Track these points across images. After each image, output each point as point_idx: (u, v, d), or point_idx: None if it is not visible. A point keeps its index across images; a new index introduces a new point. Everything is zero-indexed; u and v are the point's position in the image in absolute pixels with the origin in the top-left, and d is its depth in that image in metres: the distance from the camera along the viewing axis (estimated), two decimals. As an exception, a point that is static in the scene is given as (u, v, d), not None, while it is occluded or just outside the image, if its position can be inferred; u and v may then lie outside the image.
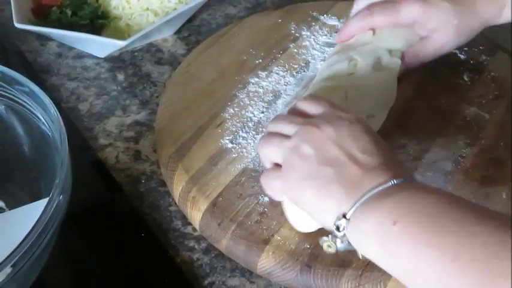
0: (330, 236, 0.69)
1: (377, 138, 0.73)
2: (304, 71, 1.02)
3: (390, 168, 0.69)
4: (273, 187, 0.76)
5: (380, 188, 0.66)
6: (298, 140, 0.73)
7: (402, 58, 0.95)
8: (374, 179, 0.67)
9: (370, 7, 0.95)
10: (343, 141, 0.71)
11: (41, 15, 1.16)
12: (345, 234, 0.67)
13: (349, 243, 0.68)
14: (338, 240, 0.68)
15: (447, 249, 0.58)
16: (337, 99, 0.85)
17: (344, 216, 0.66)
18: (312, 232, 0.79)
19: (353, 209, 0.66)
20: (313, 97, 0.82)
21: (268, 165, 0.78)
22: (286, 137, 0.75)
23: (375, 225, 0.64)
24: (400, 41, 0.96)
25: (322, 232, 0.73)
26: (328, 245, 0.70)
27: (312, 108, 0.78)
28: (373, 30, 0.97)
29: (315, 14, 1.14)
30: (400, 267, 0.63)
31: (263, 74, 1.01)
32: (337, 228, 0.67)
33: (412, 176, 0.71)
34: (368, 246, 0.66)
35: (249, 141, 0.90)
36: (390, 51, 0.94)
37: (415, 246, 0.61)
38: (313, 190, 0.70)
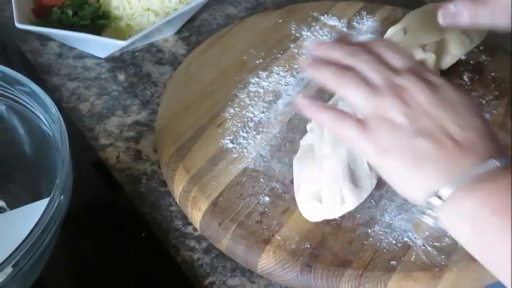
0: (419, 211, 0.65)
1: (470, 106, 0.68)
2: (305, 71, 1.02)
3: (487, 145, 0.64)
4: (353, 143, 0.69)
5: (479, 169, 0.62)
6: (389, 102, 0.67)
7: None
8: (472, 157, 0.63)
9: None
10: (438, 111, 0.66)
11: (42, 16, 1.16)
12: (436, 213, 0.64)
13: (437, 222, 0.65)
14: (428, 219, 0.65)
15: None
16: None
17: (439, 197, 0.62)
18: (312, 232, 0.79)
19: (450, 190, 0.62)
20: (395, 45, 0.74)
21: (333, 109, 0.72)
22: (373, 86, 0.68)
23: (472, 212, 0.61)
24: (431, 35, 0.97)
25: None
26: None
27: (393, 55, 0.71)
28: (405, 30, 0.99)
29: (315, 14, 1.14)
30: (491, 257, 0.61)
31: (263, 74, 1.02)
32: (429, 206, 0.63)
33: (509, 153, 0.67)
34: (460, 230, 0.63)
35: (250, 141, 0.90)
36: (423, 47, 0.96)
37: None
38: (406, 163, 0.65)
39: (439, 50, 0.97)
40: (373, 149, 0.67)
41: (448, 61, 0.99)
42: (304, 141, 0.87)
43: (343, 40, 0.75)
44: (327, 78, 0.70)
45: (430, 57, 0.94)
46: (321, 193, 0.79)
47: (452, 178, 0.62)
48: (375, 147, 0.67)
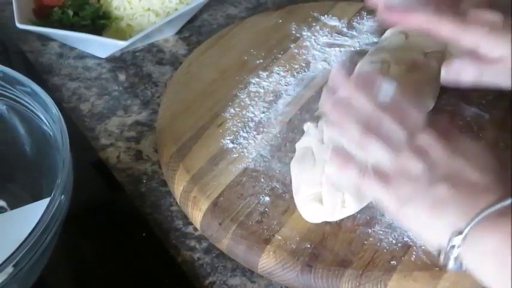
0: (442, 255, 0.65)
1: (483, 149, 0.68)
2: (305, 71, 1.02)
3: (503, 183, 0.64)
4: (376, 198, 0.70)
5: (498, 205, 0.61)
6: (408, 159, 0.67)
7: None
8: (491, 195, 0.63)
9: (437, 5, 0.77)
10: (453, 159, 0.66)
11: (43, 16, 1.16)
12: (459, 254, 0.63)
13: (461, 264, 0.64)
14: (451, 261, 0.64)
15: None
16: None
17: (459, 234, 0.62)
18: (313, 232, 0.79)
19: (469, 226, 0.62)
20: (411, 103, 0.72)
21: (356, 168, 0.70)
22: (391, 145, 0.68)
23: (494, 248, 0.61)
24: (434, 44, 0.97)
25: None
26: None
27: (411, 118, 0.70)
28: (406, 34, 0.98)
29: (315, 14, 1.14)
30: None
31: (264, 74, 1.02)
32: (451, 248, 0.63)
33: None
34: (484, 267, 0.63)
35: (250, 141, 0.90)
36: (425, 54, 0.96)
37: None
38: (425, 209, 0.65)
39: (442, 58, 0.97)
40: (393, 201, 0.67)
41: None
42: (301, 144, 0.87)
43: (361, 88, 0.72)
44: (349, 137, 0.70)
45: (432, 64, 0.95)
46: (322, 195, 0.80)
47: (471, 217, 0.62)
48: (395, 200, 0.67)
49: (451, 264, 0.64)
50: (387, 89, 0.72)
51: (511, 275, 0.59)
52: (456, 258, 0.63)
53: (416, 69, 0.94)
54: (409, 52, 0.96)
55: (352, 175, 0.69)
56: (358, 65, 0.98)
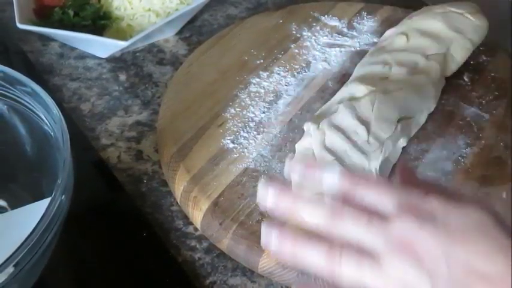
0: None
1: (478, 220, 0.54)
2: (305, 72, 1.02)
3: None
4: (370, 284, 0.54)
5: None
6: (398, 269, 0.53)
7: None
8: None
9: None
10: (451, 251, 0.52)
11: (43, 16, 1.16)
12: None
13: None
14: None
15: None
16: (365, 102, 0.87)
17: None
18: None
19: None
20: (378, 183, 0.59)
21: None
22: (371, 254, 0.54)
23: None
24: (436, 47, 0.97)
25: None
26: None
27: (382, 201, 0.56)
28: (407, 35, 0.99)
29: (315, 14, 1.14)
30: None
31: (264, 74, 1.02)
32: None
33: None
34: None
35: (250, 141, 0.91)
36: (427, 56, 0.96)
37: None
38: None
39: (443, 58, 0.98)
40: None
41: (452, 68, 0.99)
42: (301, 145, 0.86)
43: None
44: (316, 265, 0.57)
45: (433, 67, 0.95)
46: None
47: None
48: None
49: None
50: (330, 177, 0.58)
51: None
52: None
53: (418, 71, 0.94)
54: (411, 54, 0.96)
55: None
56: (359, 63, 0.98)
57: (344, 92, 0.92)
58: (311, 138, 0.86)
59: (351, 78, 0.97)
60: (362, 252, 0.54)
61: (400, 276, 0.53)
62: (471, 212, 0.54)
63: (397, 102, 0.88)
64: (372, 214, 0.55)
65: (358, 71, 0.98)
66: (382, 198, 0.56)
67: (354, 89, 0.91)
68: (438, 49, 0.97)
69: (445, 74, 0.98)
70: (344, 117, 0.86)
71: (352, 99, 0.89)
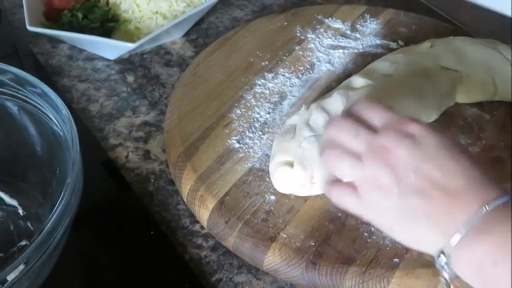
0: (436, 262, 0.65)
1: (454, 150, 0.67)
2: (309, 73, 1.03)
3: (478, 188, 0.63)
4: (351, 208, 0.71)
5: (473, 219, 0.61)
6: (373, 167, 0.67)
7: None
8: (465, 207, 0.62)
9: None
10: (421, 165, 0.65)
11: (53, 19, 1.18)
12: (449, 266, 0.63)
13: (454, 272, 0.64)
14: (444, 272, 0.64)
15: None
16: (358, 93, 0.88)
17: (442, 252, 0.63)
18: (317, 230, 0.80)
19: (449, 248, 0.62)
20: (371, 103, 0.74)
21: (329, 176, 0.74)
22: (356, 155, 0.69)
23: (474, 264, 0.61)
24: (454, 61, 0.97)
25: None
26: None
27: (372, 115, 0.71)
28: (432, 43, 0.99)
29: (320, 17, 1.15)
30: None
31: (269, 75, 1.03)
32: (441, 266, 0.63)
33: (503, 189, 0.64)
34: (468, 277, 0.63)
35: (256, 141, 0.91)
36: (441, 67, 0.95)
37: None
38: (403, 222, 0.66)
39: (458, 79, 0.96)
40: (367, 212, 0.69)
41: (461, 98, 0.96)
42: (289, 121, 0.89)
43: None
44: (329, 162, 0.73)
45: (444, 79, 0.95)
46: (294, 164, 0.81)
47: (448, 235, 0.62)
48: (369, 212, 0.69)
49: (445, 275, 0.64)
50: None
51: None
52: (449, 271, 0.63)
53: (425, 76, 0.94)
54: (425, 59, 0.96)
55: (335, 193, 0.72)
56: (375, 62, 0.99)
57: (345, 82, 0.94)
58: (298, 116, 0.87)
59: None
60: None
61: (372, 175, 0.67)
62: (443, 137, 0.67)
63: (390, 100, 0.88)
64: (361, 127, 0.70)
65: (368, 66, 0.98)
66: (372, 117, 0.71)
67: (354, 80, 0.92)
68: (455, 65, 0.96)
69: (454, 99, 0.96)
70: (334, 102, 0.86)
71: (349, 89, 0.90)
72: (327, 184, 0.73)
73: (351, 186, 0.70)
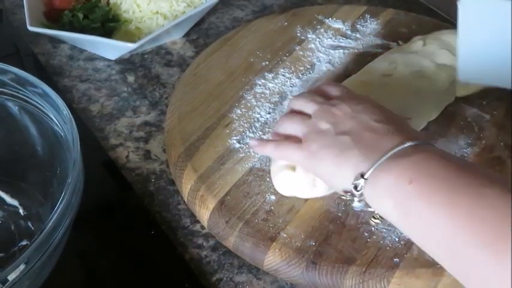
0: (347, 195, 0.73)
1: (390, 112, 0.77)
2: (310, 73, 1.04)
3: (405, 132, 0.72)
4: (292, 157, 0.80)
5: (397, 149, 0.69)
6: (317, 117, 0.78)
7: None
8: (390, 141, 0.70)
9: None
10: (358, 115, 0.75)
11: (53, 19, 1.18)
12: (362, 194, 0.70)
13: (365, 203, 0.71)
14: (356, 199, 0.71)
15: (459, 209, 0.60)
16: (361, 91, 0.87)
17: (362, 176, 0.69)
18: (317, 230, 0.80)
19: (371, 169, 0.69)
20: (334, 83, 0.87)
21: (279, 138, 0.82)
22: (307, 115, 0.80)
23: (391, 184, 0.67)
24: (448, 56, 0.97)
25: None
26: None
27: (331, 90, 0.83)
28: (424, 41, 0.99)
29: (320, 17, 1.15)
30: (413, 226, 0.66)
31: (270, 75, 1.03)
32: (355, 188, 0.70)
33: (427, 140, 0.72)
34: (383, 204, 0.68)
35: (256, 141, 0.91)
36: (437, 64, 0.95)
37: (429, 206, 0.63)
38: (331, 156, 0.73)
39: (455, 73, 0.95)
40: (305, 155, 0.77)
41: (462, 91, 0.97)
42: None
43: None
44: (283, 124, 0.84)
45: (441, 76, 0.94)
46: (296, 167, 0.82)
47: (373, 159, 0.69)
48: (307, 153, 0.76)
49: (356, 203, 0.72)
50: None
51: (405, 213, 0.66)
52: (360, 197, 0.70)
53: (423, 76, 0.94)
54: (421, 58, 0.96)
55: (271, 148, 0.81)
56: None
57: (344, 81, 0.94)
58: None
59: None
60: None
61: (315, 124, 0.77)
62: (384, 107, 0.78)
63: (390, 100, 0.87)
64: (317, 95, 0.83)
65: (366, 66, 0.99)
66: (330, 91, 0.83)
67: (352, 79, 0.93)
68: (451, 61, 0.96)
69: (454, 92, 0.97)
70: None
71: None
72: (275, 143, 0.81)
73: (296, 139, 0.79)
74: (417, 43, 1.00)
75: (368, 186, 0.69)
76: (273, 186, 0.85)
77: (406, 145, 0.69)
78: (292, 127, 0.80)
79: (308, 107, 0.81)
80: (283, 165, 0.83)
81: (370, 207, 0.72)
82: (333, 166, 0.73)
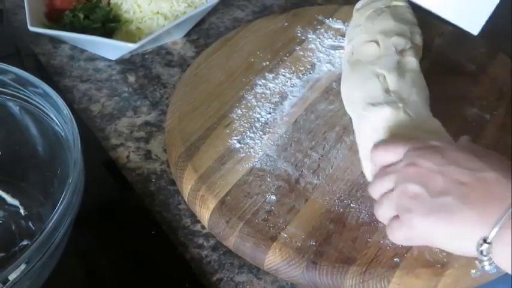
0: (476, 262, 0.68)
1: (474, 149, 0.72)
2: (310, 73, 1.03)
3: (508, 173, 0.67)
4: (399, 238, 0.74)
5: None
6: (402, 184, 0.72)
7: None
8: (499, 192, 0.65)
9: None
10: (445, 168, 0.69)
11: (54, 19, 1.18)
12: (490, 257, 0.65)
13: (496, 265, 0.66)
14: (486, 263, 0.66)
15: None
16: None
17: (485, 240, 0.64)
18: (318, 230, 0.80)
19: (493, 231, 0.63)
20: (387, 142, 0.81)
21: (387, 222, 0.76)
22: (390, 191, 0.74)
23: None
24: (405, 39, 0.97)
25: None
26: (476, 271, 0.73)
27: (393, 154, 0.77)
28: (377, 42, 0.97)
29: (320, 17, 1.15)
30: None
31: (270, 76, 1.03)
32: (481, 253, 0.65)
33: None
34: (508, 269, 0.65)
35: (256, 141, 0.91)
36: (402, 52, 0.95)
37: None
38: (440, 224, 0.67)
39: (416, 49, 0.97)
40: (410, 229, 0.72)
41: (420, 54, 0.98)
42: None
43: None
44: (378, 213, 0.78)
45: (412, 62, 0.94)
46: None
47: (489, 219, 0.64)
48: (411, 227, 0.71)
49: (486, 267, 0.66)
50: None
51: None
52: (490, 261, 0.66)
53: (406, 71, 0.92)
54: (390, 57, 0.94)
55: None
56: (342, 88, 0.98)
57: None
58: None
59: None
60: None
61: (403, 192, 0.71)
62: (461, 144, 0.76)
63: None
64: (387, 168, 0.77)
65: (352, 92, 0.94)
66: (393, 154, 0.77)
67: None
68: (406, 43, 0.96)
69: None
70: None
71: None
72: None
73: (396, 219, 0.73)
74: (371, 46, 0.97)
75: (495, 250, 0.64)
76: (274, 186, 0.85)
77: None
78: (384, 209, 0.75)
79: (387, 182, 0.75)
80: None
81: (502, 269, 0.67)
82: (446, 235, 0.68)
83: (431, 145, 0.73)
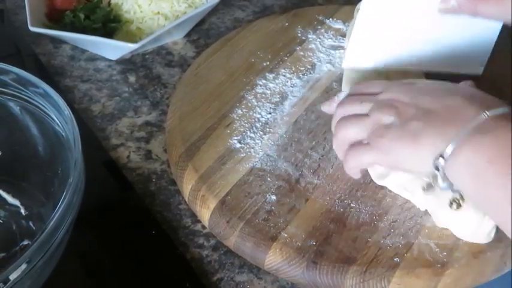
0: (431, 177, 0.71)
1: (448, 84, 0.76)
2: (310, 73, 1.04)
3: (477, 100, 0.69)
4: (366, 161, 0.78)
5: (473, 122, 0.66)
6: (378, 113, 0.76)
7: None
8: (464, 115, 0.68)
9: None
10: (418, 99, 0.73)
11: (55, 19, 1.18)
12: (445, 174, 0.68)
13: (450, 182, 0.69)
14: (439, 179, 0.69)
15: None
16: None
17: (441, 156, 0.67)
18: (318, 230, 0.80)
19: (449, 146, 0.66)
20: (369, 81, 0.86)
21: (344, 147, 0.79)
22: (364, 115, 0.78)
23: (470, 163, 0.65)
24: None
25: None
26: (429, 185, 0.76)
27: (373, 87, 0.81)
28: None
29: (320, 17, 1.15)
30: (493, 205, 0.65)
31: (270, 76, 1.03)
32: (437, 169, 0.68)
33: (503, 103, 0.69)
34: (464, 182, 0.67)
35: (257, 141, 0.91)
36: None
37: (506, 187, 0.62)
38: (407, 144, 0.71)
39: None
40: (378, 152, 0.75)
41: None
42: None
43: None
44: (341, 131, 0.81)
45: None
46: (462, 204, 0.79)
47: (450, 136, 0.67)
48: (379, 151, 0.75)
49: (440, 185, 0.69)
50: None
51: (484, 191, 0.65)
52: (444, 179, 0.69)
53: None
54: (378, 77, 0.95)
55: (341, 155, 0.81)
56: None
57: None
58: None
59: None
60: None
61: (377, 120, 0.75)
62: (442, 82, 0.77)
63: None
64: (365, 96, 0.80)
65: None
66: (373, 88, 0.81)
67: None
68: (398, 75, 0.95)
69: None
70: None
71: None
72: (345, 152, 0.80)
73: (362, 143, 0.77)
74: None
75: (448, 164, 0.67)
76: (274, 186, 0.85)
77: (482, 117, 0.66)
78: (353, 131, 0.78)
79: (362, 108, 0.79)
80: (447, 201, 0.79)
81: (455, 188, 0.70)
82: (410, 155, 0.72)
83: (408, 82, 0.80)
